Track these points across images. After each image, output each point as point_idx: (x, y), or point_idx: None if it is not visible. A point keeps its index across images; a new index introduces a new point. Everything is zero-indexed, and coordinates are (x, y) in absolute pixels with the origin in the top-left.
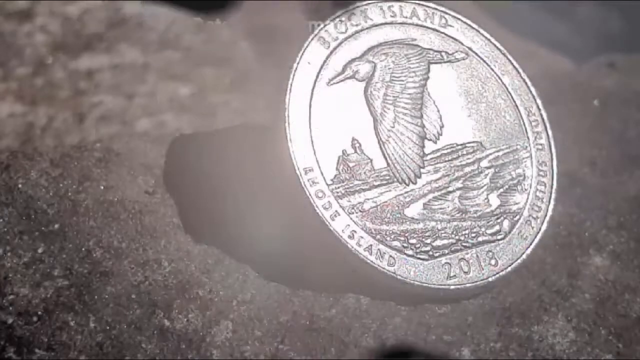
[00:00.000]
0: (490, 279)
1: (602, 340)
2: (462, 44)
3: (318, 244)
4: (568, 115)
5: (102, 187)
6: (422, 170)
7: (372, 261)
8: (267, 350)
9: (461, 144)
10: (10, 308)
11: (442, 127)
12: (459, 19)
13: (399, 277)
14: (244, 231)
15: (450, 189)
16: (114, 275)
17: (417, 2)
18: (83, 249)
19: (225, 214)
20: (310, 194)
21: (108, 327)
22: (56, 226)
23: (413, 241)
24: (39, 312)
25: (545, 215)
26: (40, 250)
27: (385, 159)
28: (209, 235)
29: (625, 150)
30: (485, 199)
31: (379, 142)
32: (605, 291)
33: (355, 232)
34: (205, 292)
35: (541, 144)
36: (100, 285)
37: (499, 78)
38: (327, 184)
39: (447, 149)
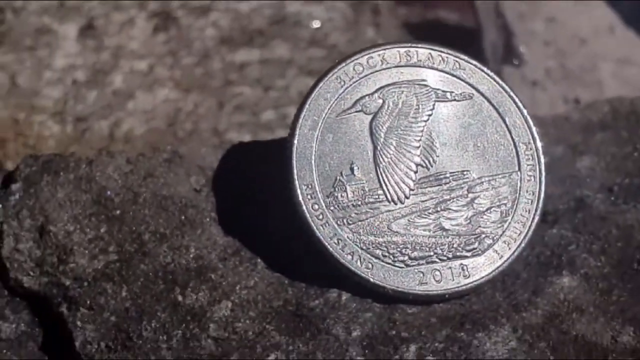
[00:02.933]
0: (459, 289)
1: (539, 352)
2: (470, 85)
3: (311, 246)
4: (613, 141)
5: (160, 183)
6: (411, 192)
7: (352, 264)
8: (255, 328)
9: (452, 172)
10: (70, 273)
11: (437, 156)
12: (471, 63)
13: (373, 279)
14: (261, 229)
15: (435, 209)
16: (151, 255)
17: (432, 47)
18: (135, 232)
19: (250, 212)
20: (306, 206)
21: (135, 297)
22: (118, 212)
23: (392, 251)
24: (89, 279)
25: (525, 238)
26: (102, 230)
27: (379, 181)
28: (234, 229)
29: None
30: (468, 219)
31: (376, 168)
32: (558, 309)
33: (340, 239)
34: (217, 277)
35: (532, 175)
36: (137, 262)
37: (501, 117)
38: (322, 199)
39: (438, 175)
